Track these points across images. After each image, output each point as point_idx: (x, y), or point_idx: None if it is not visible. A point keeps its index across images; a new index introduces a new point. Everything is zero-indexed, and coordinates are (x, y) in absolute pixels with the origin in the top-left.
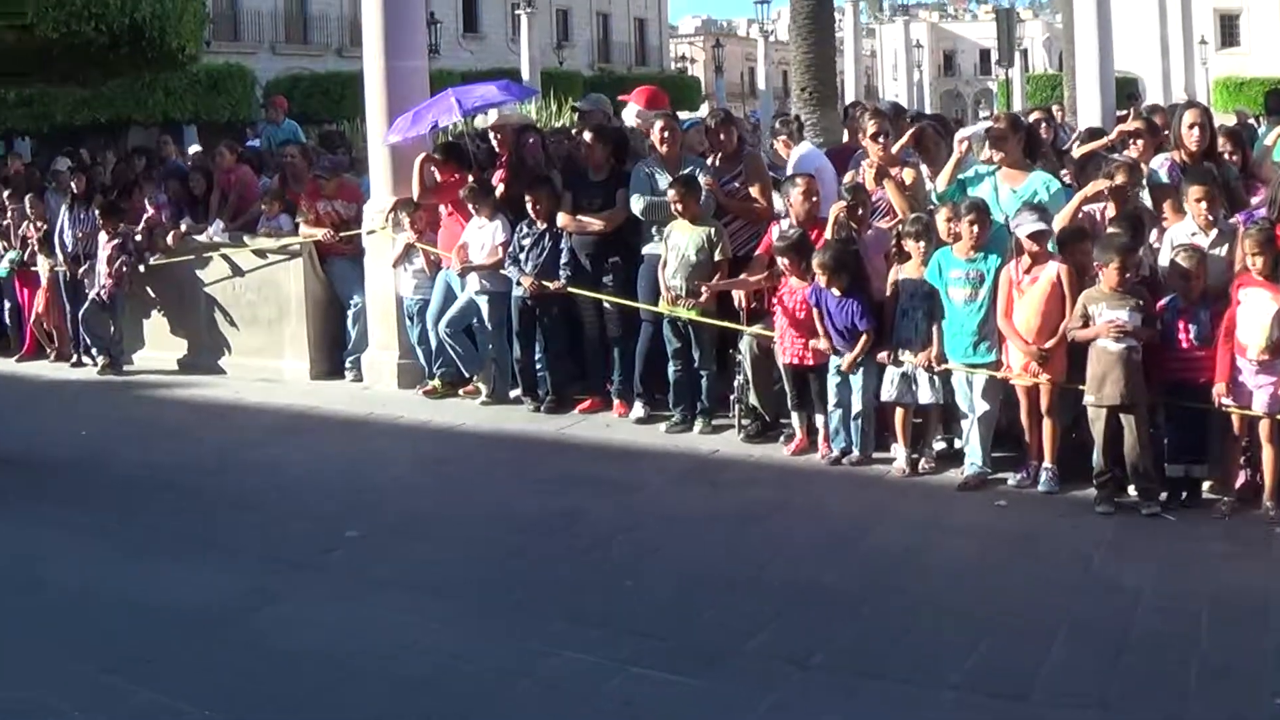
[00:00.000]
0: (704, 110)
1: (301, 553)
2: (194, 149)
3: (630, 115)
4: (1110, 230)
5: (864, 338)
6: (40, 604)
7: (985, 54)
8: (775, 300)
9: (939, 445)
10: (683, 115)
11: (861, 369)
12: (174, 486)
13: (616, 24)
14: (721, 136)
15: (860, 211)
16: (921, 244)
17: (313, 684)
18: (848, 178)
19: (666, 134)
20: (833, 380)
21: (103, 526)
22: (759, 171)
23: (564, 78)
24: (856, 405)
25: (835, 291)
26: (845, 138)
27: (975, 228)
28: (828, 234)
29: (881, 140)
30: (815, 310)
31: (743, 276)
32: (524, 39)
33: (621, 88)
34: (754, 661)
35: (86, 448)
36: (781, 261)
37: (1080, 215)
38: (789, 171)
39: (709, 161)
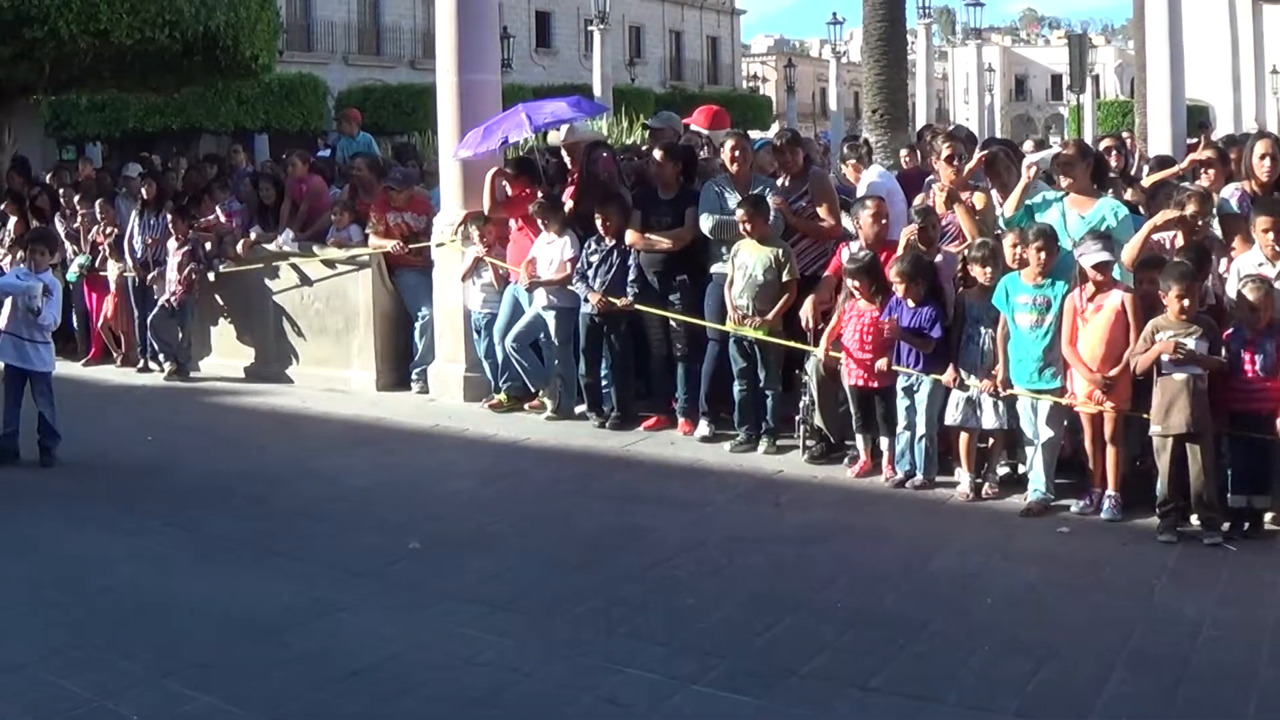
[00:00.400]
0: (775, 130)
1: (364, 563)
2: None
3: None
4: (1175, 259)
5: (931, 343)
6: (102, 607)
7: (1057, 79)
8: (839, 322)
9: (1002, 470)
10: (754, 135)
11: (927, 392)
12: (238, 494)
13: (689, 41)
14: (788, 156)
15: (930, 235)
16: (988, 269)
17: (372, 695)
18: (918, 201)
19: (737, 153)
20: (901, 403)
21: (166, 532)
22: (826, 191)
23: (636, 95)
24: (921, 428)
25: (910, 302)
26: (904, 160)
27: (1043, 254)
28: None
29: (955, 164)
30: (889, 321)
31: (828, 330)
32: (596, 55)
33: (693, 105)
34: (814, 683)
35: (152, 453)
36: (851, 283)
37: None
38: (859, 195)
39: (778, 182)
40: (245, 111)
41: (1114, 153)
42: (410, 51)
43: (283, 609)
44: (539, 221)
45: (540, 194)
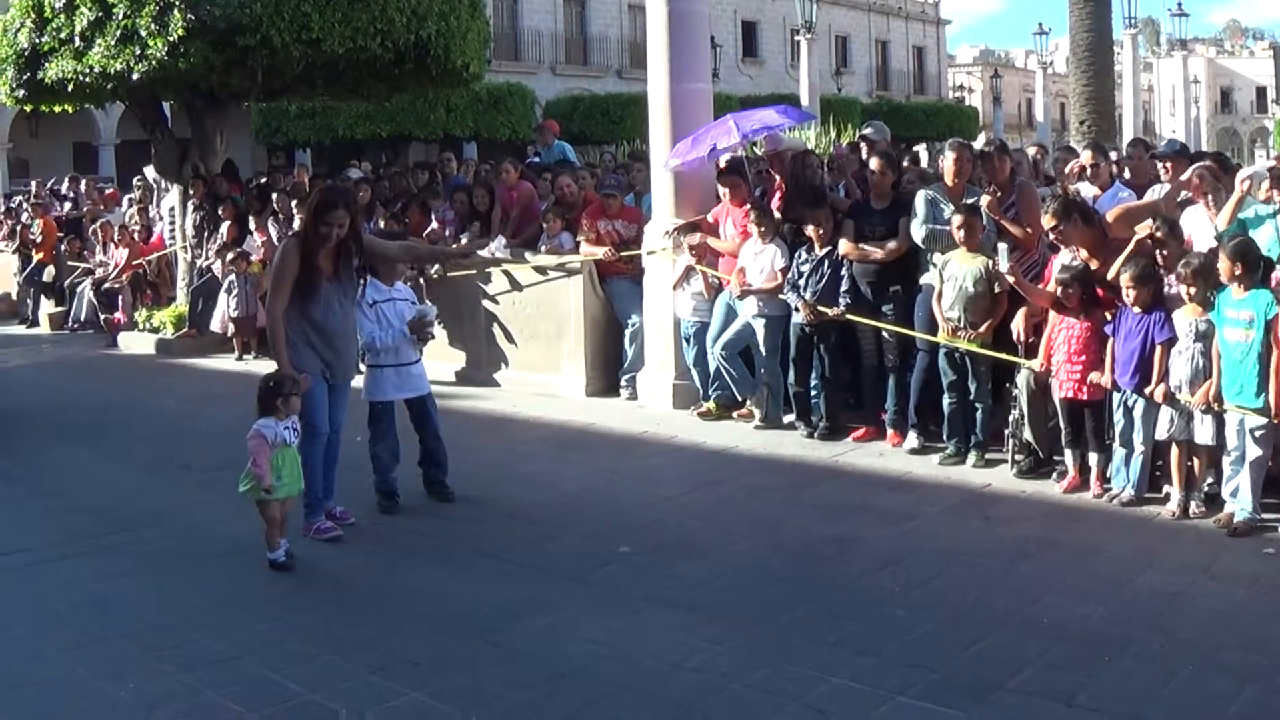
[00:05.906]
0: (981, 140)
1: (574, 566)
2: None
3: None
4: None
5: (1158, 351)
6: (312, 602)
7: (1262, 91)
8: (1050, 335)
9: (1208, 488)
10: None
11: (1144, 406)
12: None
13: (895, 52)
14: (995, 164)
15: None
16: (1194, 288)
17: (578, 697)
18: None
19: (959, 166)
20: (1119, 417)
21: (376, 530)
22: (1032, 202)
23: (842, 104)
24: (1138, 443)
25: (1136, 309)
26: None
27: (1240, 269)
28: (1121, 258)
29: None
30: (1113, 339)
31: (1043, 342)
32: (803, 64)
33: (900, 115)
34: (1019, 697)
35: (362, 453)
36: (1063, 294)
37: None
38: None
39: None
40: (454, 120)
41: None
42: (617, 61)
43: (491, 609)
44: (749, 222)
45: (750, 201)
